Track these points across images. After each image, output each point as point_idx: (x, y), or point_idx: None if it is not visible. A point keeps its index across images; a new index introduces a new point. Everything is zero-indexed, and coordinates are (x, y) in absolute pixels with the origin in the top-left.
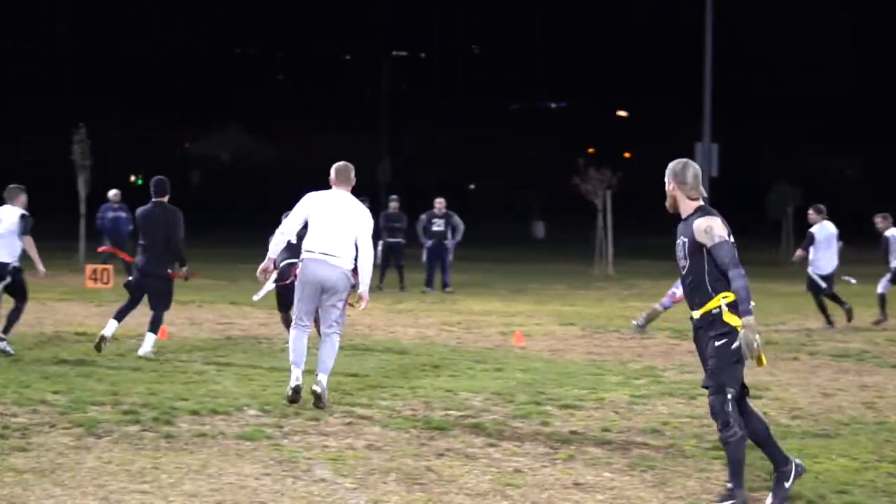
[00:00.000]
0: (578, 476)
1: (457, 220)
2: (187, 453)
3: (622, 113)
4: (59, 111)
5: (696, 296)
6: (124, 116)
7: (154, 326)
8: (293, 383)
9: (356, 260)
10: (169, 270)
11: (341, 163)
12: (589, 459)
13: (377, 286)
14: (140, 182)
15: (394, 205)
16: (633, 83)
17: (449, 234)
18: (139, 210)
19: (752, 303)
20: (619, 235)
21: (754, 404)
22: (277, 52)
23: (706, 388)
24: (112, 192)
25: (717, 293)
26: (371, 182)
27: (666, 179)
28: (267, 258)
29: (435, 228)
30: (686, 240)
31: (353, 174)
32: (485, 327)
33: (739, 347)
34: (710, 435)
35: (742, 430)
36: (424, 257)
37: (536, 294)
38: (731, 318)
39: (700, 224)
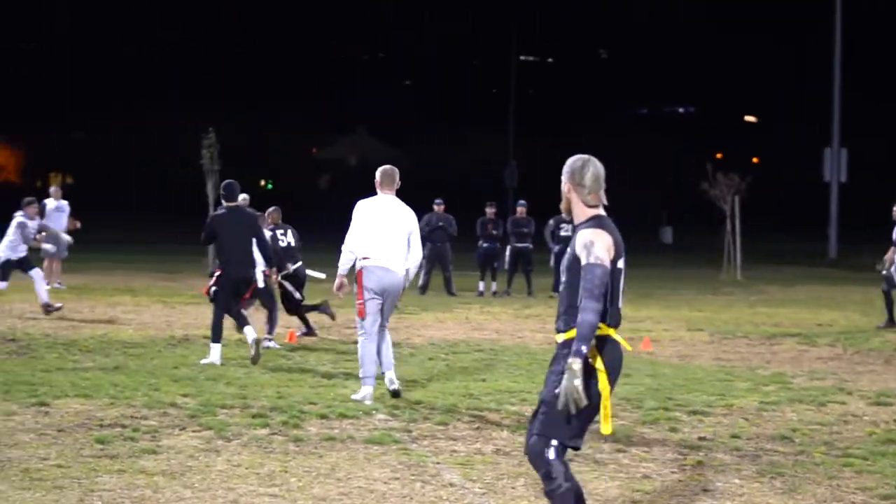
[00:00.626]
0: (707, 482)
1: None
2: (316, 457)
3: (750, 118)
4: (190, 114)
5: (564, 318)
6: (252, 121)
7: (243, 323)
8: (369, 402)
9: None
10: (264, 271)
11: (387, 167)
12: (718, 466)
13: (504, 291)
14: (270, 187)
15: (521, 209)
16: (762, 88)
17: None
18: (214, 216)
19: (586, 348)
20: (748, 241)
21: (885, 411)
22: (404, 56)
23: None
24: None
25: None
26: (498, 186)
27: (563, 178)
28: (338, 276)
29: (562, 233)
30: (571, 251)
31: (398, 177)
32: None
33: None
34: (839, 442)
35: (568, 483)
36: (552, 262)
37: (664, 299)
38: (592, 356)
39: (583, 236)
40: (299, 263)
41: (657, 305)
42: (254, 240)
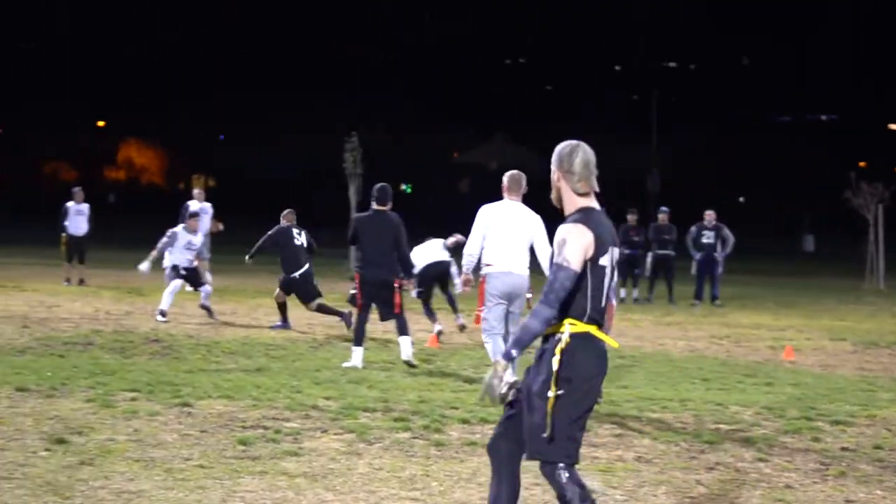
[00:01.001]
0: (850, 493)
1: (727, 232)
2: (457, 461)
3: (894, 126)
4: (333, 118)
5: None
6: (393, 126)
7: (403, 329)
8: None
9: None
10: (395, 279)
11: (514, 171)
12: (860, 477)
13: (646, 298)
14: (409, 190)
15: (663, 216)
16: None
17: (718, 247)
18: (359, 217)
19: (517, 352)
20: (891, 250)
21: None
22: (544, 62)
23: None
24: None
25: (566, 315)
26: (640, 192)
27: (552, 166)
28: (463, 273)
29: (704, 241)
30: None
31: (524, 182)
32: (754, 341)
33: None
34: None
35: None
36: (694, 269)
37: (806, 308)
38: (557, 360)
39: (560, 232)
40: (307, 266)
41: (799, 314)
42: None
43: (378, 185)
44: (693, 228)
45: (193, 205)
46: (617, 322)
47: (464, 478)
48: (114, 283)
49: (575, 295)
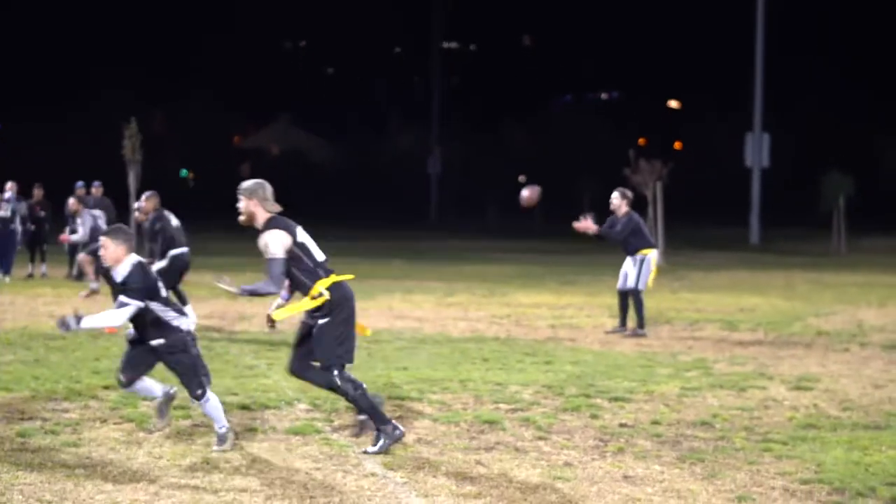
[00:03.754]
0: (628, 469)
1: None
2: (238, 448)
3: (673, 103)
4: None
5: (299, 292)
6: (171, 109)
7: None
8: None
9: None
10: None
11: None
12: (639, 452)
13: None
14: (186, 175)
15: None
16: (685, 72)
17: None
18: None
19: (249, 292)
20: (670, 227)
21: (805, 396)
22: (325, 45)
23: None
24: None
25: (314, 283)
26: (421, 175)
27: (242, 198)
28: None
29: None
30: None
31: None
32: (534, 320)
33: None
34: (760, 428)
35: (358, 386)
36: None
37: (587, 286)
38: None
39: (261, 240)
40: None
41: (580, 293)
42: None
43: None
44: None
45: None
46: (398, 303)
47: (244, 464)
48: None
49: (301, 270)
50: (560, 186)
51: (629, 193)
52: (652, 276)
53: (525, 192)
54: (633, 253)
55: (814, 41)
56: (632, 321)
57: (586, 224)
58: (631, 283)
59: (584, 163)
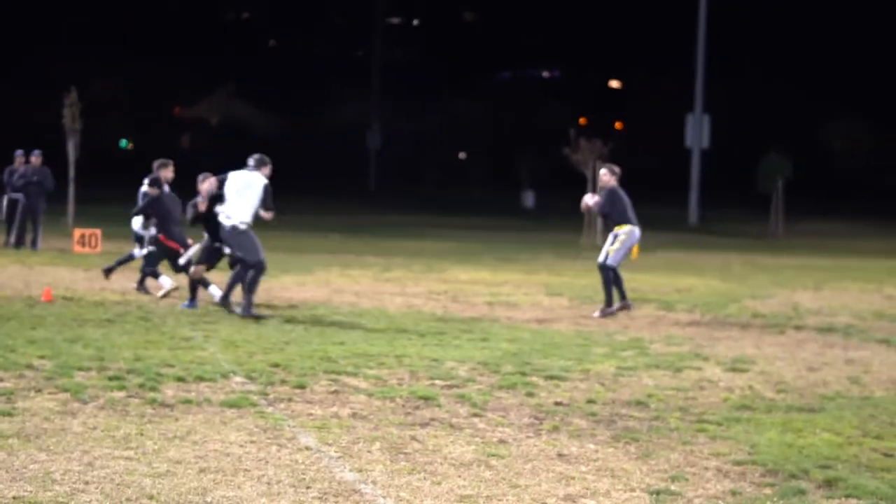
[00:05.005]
0: (562, 447)
1: None
2: (172, 420)
3: (614, 83)
4: (50, 74)
5: None
6: (113, 77)
7: None
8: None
9: None
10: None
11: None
12: (573, 431)
13: None
14: (124, 145)
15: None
16: (626, 52)
17: None
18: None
19: None
20: None
21: (740, 377)
22: (268, 15)
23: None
24: None
25: None
26: (361, 150)
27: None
28: None
29: None
30: None
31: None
32: (471, 296)
33: None
34: (694, 408)
35: None
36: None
37: (524, 264)
38: None
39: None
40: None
41: (518, 270)
42: None
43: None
44: None
45: None
46: (335, 278)
47: (179, 436)
48: None
49: None
50: (500, 162)
51: (616, 169)
52: (634, 252)
53: None
54: (610, 228)
55: (756, 22)
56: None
57: (588, 201)
58: (600, 258)
59: (524, 139)
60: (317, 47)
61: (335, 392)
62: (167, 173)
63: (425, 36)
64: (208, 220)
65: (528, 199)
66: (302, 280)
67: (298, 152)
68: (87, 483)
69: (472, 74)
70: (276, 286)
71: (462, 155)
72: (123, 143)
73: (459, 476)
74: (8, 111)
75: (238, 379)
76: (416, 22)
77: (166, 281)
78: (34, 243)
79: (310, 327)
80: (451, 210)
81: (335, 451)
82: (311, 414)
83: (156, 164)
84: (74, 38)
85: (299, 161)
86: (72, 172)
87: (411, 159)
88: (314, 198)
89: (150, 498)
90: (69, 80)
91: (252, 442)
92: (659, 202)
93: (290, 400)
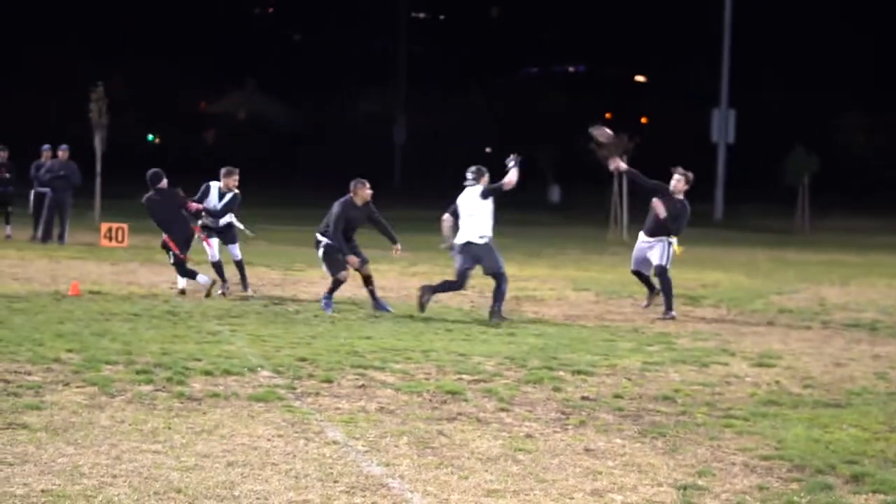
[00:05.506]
0: (589, 442)
1: None
2: (200, 414)
3: (640, 78)
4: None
5: None
6: (139, 73)
7: None
8: None
9: None
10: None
11: None
12: (600, 426)
13: None
14: (151, 139)
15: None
16: (652, 48)
17: None
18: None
19: None
20: (634, 201)
21: (767, 373)
22: (294, 9)
23: None
24: None
25: None
26: (387, 144)
27: None
28: None
29: None
30: None
31: None
32: None
33: None
34: (721, 403)
35: None
36: None
37: (551, 259)
38: None
39: None
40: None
41: (544, 265)
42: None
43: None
44: None
45: None
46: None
47: (206, 430)
48: None
49: None
50: (524, 157)
51: (691, 176)
52: (679, 250)
53: None
54: (659, 234)
55: (783, 18)
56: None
57: (616, 163)
58: (657, 263)
59: (548, 134)
60: (341, 42)
61: (362, 386)
62: (231, 181)
63: (450, 31)
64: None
65: (554, 193)
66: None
67: (323, 147)
68: (114, 476)
69: (497, 69)
70: (302, 280)
71: (488, 149)
72: (150, 137)
73: (486, 470)
74: (30, 106)
75: (265, 373)
76: (441, 17)
77: (203, 278)
78: (61, 237)
79: (337, 321)
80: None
81: (362, 446)
82: (338, 408)
83: (223, 171)
84: (97, 32)
85: (324, 155)
86: (98, 167)
87: (436, 154)
88: (340, 191)
89: (178, 491)
90: (94, 75)
91: (279, 436)
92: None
93: (317, 394)
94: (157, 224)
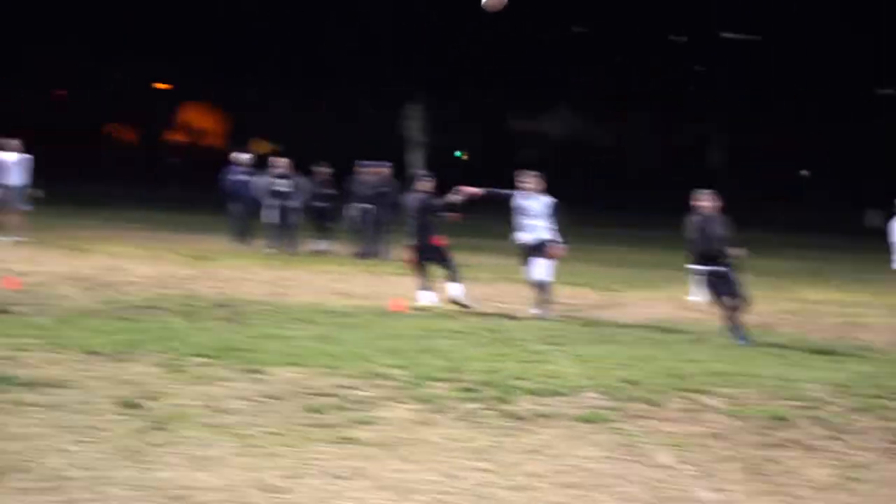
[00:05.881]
0: None
1: None
2: (528, 433)
3: None
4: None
5: None
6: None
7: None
8: None
9: None
10: None
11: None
12: None
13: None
14: (459, 154)
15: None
16: None
17: None
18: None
19: None
20: None
21: None
22: (612, 31)
23: None
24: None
25: None
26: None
27: None
28: None
29: None
30: None
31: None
32: (824, 316)
33: None
34: None
35: None
36: None
37: (875, 284)
38: None
39: None
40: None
41: (867, 291)
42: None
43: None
44: None
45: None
46: (682, 294)
47: (535, 450)
48: (179, 248)
49: None
50: (845, 181)
51: None
52: None
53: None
54: None
55: None
56: None
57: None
58: None
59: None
60: (657, 63)
61: (690, 410)
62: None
63: (770, 53)
64: None
65: (874, 217)
66: (650, 297)
67: (630, 168)
68: (446, 493)
69: (847, 92)
70: (624, 301)
71: (805, 172)
72: (458, 153)
73: (820, 499)
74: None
75: (591, 394)
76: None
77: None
78: (381, 254)
79: (656, 343)
80: (793, 228)
81: (693, 470)
82: (667, 431)
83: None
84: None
85: (635, 176)
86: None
87: (760, 177)
88: (674, 218)
89: None
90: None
91: (608, 458)
92: None
93: (644, 417)
94: None
